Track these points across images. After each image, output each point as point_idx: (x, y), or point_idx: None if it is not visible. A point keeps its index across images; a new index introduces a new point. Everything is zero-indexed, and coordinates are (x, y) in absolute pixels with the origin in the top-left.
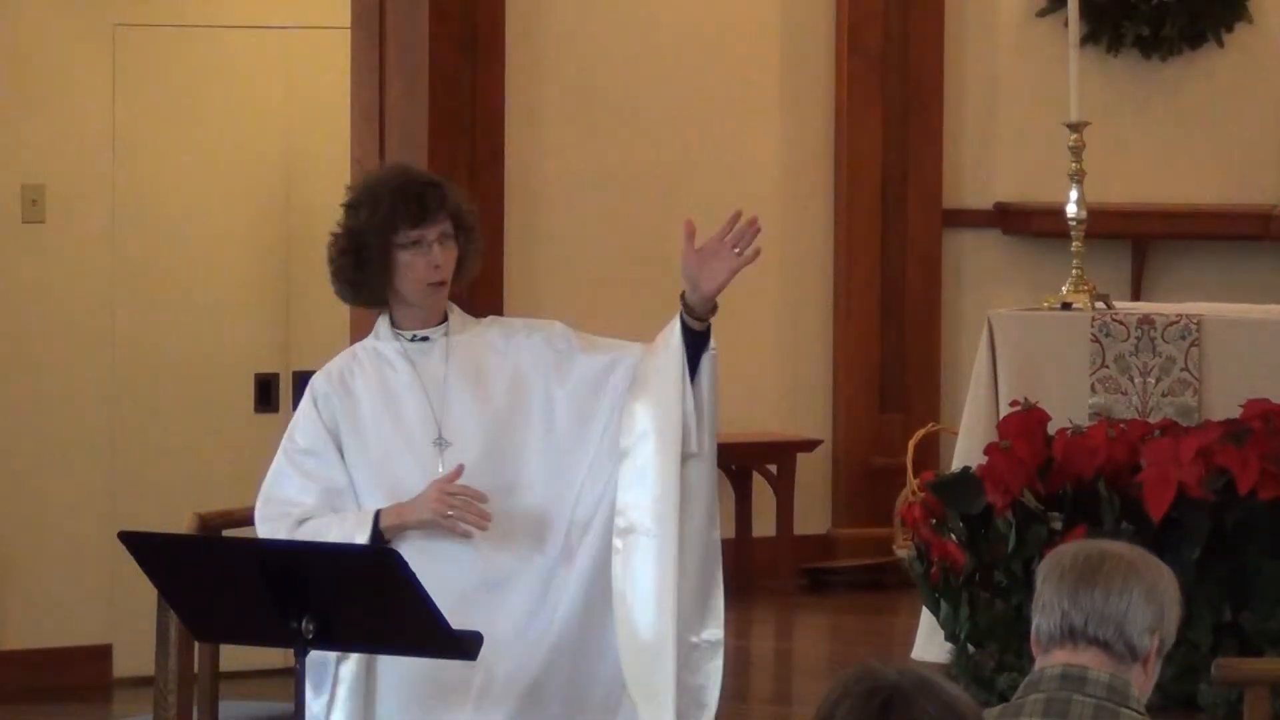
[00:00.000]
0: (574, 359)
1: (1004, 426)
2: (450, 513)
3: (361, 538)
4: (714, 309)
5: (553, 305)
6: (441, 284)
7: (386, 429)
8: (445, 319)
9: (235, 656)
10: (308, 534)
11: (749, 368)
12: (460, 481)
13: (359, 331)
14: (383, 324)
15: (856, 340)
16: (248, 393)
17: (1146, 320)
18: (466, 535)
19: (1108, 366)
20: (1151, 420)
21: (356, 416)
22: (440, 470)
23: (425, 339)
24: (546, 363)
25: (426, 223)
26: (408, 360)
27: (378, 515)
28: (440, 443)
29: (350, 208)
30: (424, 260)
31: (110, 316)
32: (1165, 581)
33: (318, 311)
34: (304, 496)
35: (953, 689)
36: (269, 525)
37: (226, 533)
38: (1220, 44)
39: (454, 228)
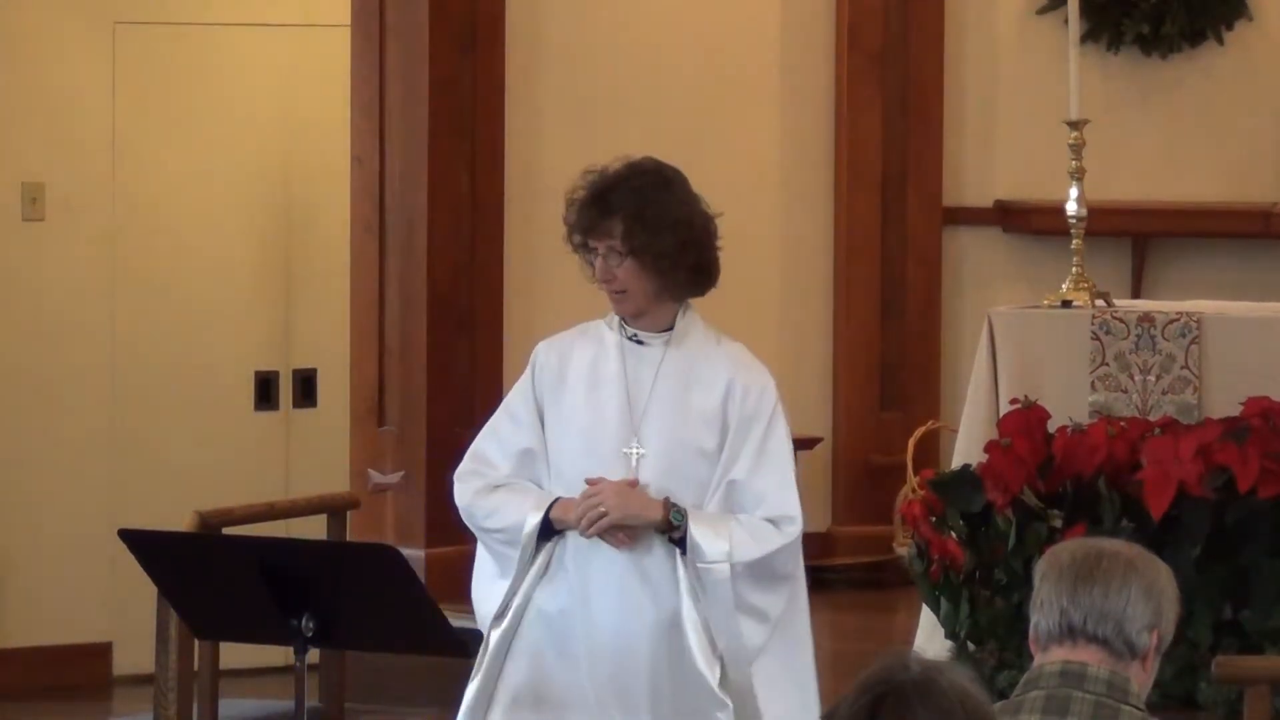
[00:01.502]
0: (746, 440)
1: (1004, 424)
2: (585, 527)
3: (534, 519)
4: (672, 526)
5: (553, 304)
6: (618, 295)
7: (584, 415)
8: (672, 326)
9: (235, 654)
10: (493, 503)
11: None
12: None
13: (360, 329)
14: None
15: (856, 338)
16: (248, 390)
17: (1147, 318)
18: (616, 546)
19: (1108, 364)
20: (1152, 418)
21: (562, 393)
22: (626, 474)
23: (641, 342)
24: (731, 418)
25: (593, 236)
26: (621, 356)
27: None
28: (633, 449)
29: (566, 199)
30: (597, 269)
31: (110, 314)
32: (1163, 579)
33: (318, 309)
34: (502, 461)
35: (958, 695)
36: (464, 483)
37: (226, 530)
38: (1220, 42)
39: (625, 244)
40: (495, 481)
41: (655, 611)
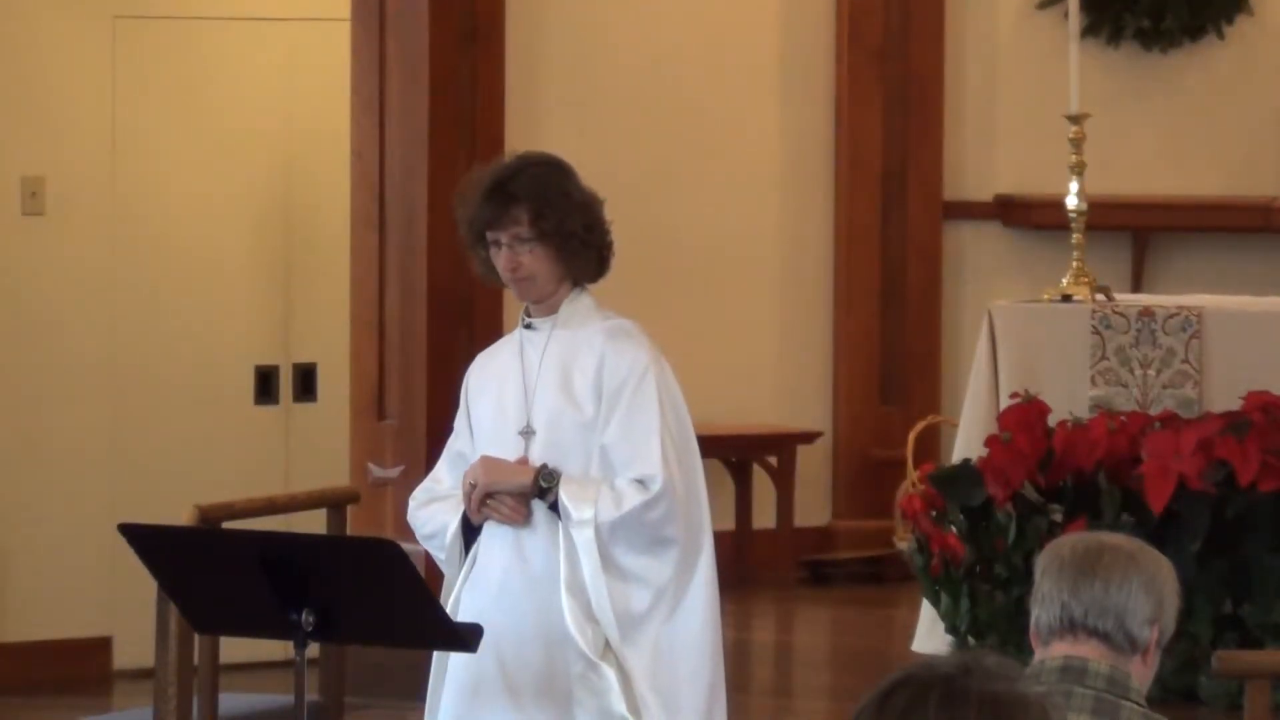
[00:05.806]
0: (615, 407)
1: (1004, 419)
2: (466, 505)
3: (455, 520)
4: (540, 491)
5: None
6: (523, 281)
7: (491, 407)
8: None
9: (235, 649)
10: (427, 513)
11: (749, 360)
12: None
13: (359, 323)
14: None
15: (857, 332)
16: (248, 385)
17: (1147, 312)
18: (504, 522)
19: (1108, 359)
20: (1152, 412)
21: (476, 394)
22: (519, 455)
23: (534, 327)
24: (604, 388)
25: (497, 226)
26: (519, 346)
27: None
28: (526, 432)
29: (456, 199)
30: (501, 259)
31: (110, 308)
32: (1164, 573)
33: (318, 303)
34: (445, 474)
35: (980, 700)
36: (413, 500)
37: (226, 525)
38: (1220, 36)
39: (534, 229)
40: (438, 494)
41: (536, 585)
